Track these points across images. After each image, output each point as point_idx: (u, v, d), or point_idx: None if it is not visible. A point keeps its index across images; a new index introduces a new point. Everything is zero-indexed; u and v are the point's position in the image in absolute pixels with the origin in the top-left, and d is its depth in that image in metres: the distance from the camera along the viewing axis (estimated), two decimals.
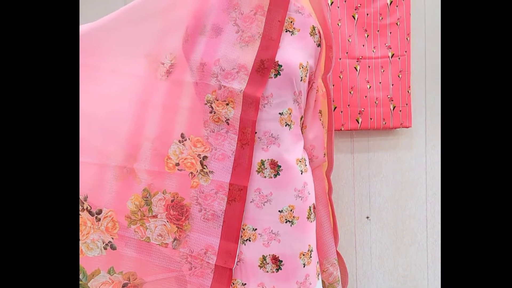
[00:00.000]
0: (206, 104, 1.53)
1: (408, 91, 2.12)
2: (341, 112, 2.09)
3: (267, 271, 1.55)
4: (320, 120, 1.79)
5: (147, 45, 1.57)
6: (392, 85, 2.11)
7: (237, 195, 1.51)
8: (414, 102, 2.19)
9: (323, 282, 1.79)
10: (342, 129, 2.11)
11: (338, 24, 2.05)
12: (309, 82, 1.66)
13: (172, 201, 1.54)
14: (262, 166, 1.54)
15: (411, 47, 2.13)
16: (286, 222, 1.56)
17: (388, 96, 2.10)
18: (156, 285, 1.56)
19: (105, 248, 1.53)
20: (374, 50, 2.08)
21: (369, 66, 2.08)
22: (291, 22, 1.60)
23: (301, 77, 1.56)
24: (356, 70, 2.08)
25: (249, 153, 1.51)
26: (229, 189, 1.52)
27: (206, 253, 1.52)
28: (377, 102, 2.10)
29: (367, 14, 2.06)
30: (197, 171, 1.54)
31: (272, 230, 1.55)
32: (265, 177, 1.54)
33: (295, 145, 1.61)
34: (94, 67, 1.54)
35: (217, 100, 1.51)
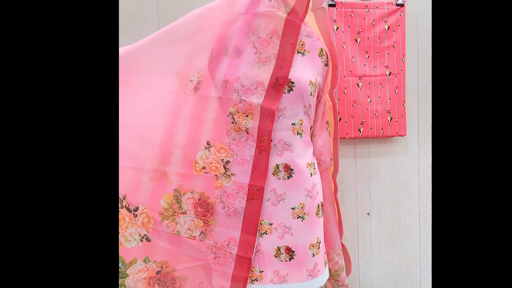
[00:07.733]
0: (228, 115, 1.54)
1: (403, 105, 2.13)
2: (345, 122, 2.10)
3: (281, 260, 1.55)
4: (327, 129, 1.80)
5: (177, 65, 1.58)
6: (390, 99, 2.11)
7: (255, 194, 1.52)
8: (409, 114, 2.20)
9: (329, 269, 1.80)
10: (346, 137, 2.11)
11: (342, 47, 2.06)
12: (317, 97, 1.67)
13: (199, 199, 1.55)
14: (277, 169, 1.55)
15: (406, 66, 2.14)
16: (297, 217, 1.56)
17: (386, 109, 2.11)
18: (185, 272, 1.57)
19: (141, 240, 1.55)
20: (374, 69, 2.09)
21: (369, 83, 2.09)
22: (302, 44, 1.61)
23: (311, 92, 1.58)
24: (358, 86, 2.09)
25: (266, 158, 1.52)
26: (249, 189, 1.52)
27: (228, 244, 1.53)
28: (376, 114, 2.11)
29: (368, 38, 2.07)
30: (221, 173, 1.55)
31: (285, 225, 1.55)
32: (279, 178, 1.55)
33: (306, 151, 1.61)
34: (131, 83, 1.55)
35: (238, 112, 1.52)
